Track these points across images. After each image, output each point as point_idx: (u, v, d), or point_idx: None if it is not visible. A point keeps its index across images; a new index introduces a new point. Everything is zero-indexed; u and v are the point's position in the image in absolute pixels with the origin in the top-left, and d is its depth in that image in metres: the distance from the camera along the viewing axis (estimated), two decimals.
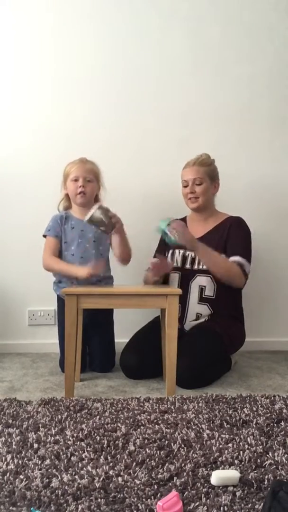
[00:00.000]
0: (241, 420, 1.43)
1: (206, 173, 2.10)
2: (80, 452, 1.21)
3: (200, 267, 2.07)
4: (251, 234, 2.12)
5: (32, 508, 0.94)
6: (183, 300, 2.05)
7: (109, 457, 1.18)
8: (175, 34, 2.49)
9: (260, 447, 1.24)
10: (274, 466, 1.14)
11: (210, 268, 2.00)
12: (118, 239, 2.02)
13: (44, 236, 2.12)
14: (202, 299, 2.06)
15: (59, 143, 2.43)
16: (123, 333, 2.16)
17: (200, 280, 2.06)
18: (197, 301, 2.06)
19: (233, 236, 2.07)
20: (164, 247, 2.19)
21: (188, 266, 2.10)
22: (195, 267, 2.08)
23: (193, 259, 2.09)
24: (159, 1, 2.48)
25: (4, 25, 2.41)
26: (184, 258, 2.12)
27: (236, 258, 2.00)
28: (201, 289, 2.06)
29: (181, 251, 2.13)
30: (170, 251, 2.17)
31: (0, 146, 2.45)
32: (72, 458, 1.17)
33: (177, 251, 2.14)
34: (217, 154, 2.17)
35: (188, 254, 2.10)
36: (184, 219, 2.23)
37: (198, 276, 2.06)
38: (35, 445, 1.24)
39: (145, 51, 2.48)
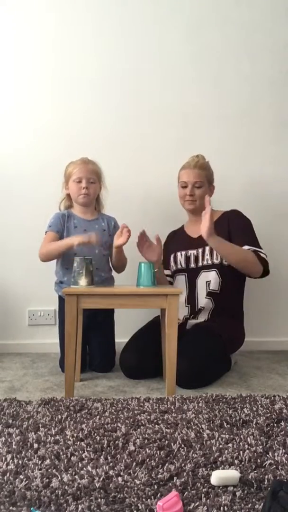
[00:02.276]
0: (241, 420, 1.43)
1: (206, 177, 2.12)
2: (80, 452, 1.21)
3: (205, 263, 2.08)
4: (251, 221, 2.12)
5: (32, 508, 0.94)
6: (192, 299, 2.07)
7: (109, 457, 1.18)
8: (175, 34, 2.49)
9: (260, 447, 1.24)
10: (274, 466, 1.14)
11: (226, 258, 2.00)
12: (117, 252, 2.05)
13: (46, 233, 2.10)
14: (208, 294, 2.07)
15: (59, 143, 2.43)
16: (123, 333, 2.16)
17: (206, 276, 2.08)
18: (205, 296, 2.08)
19: (235, 228, 2.07)
20: (164, 250, 2.20)
21: (192, 265, 2.11)
22: (200, 264, 2.10)
23: (196, 257, 2.10)
24: (159, 2, 2.48)
25: (4, 25, 2.42)
26: (187, 258, 2.13)
27: (247, 247, 2.00)
28: (208, 284, 2.07)
29: (183, 252, 2.13)
30: (172, 255, 2.18)
31: (0, 146, 2.45)
32: (72, 458, 1.17)
33: (179, 253, 2.15)
34: (217, 155, 2.18)
35: (191, 254, 2.12)
36: (181, 228, 2.25)
37: (203, 272, 2.08)
38: (35, 445, 1.24)
39: (145, 51, 2.49)
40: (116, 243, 1.99)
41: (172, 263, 2.18)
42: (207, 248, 2.08)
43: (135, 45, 2.48)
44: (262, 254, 2.01)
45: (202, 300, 2.08)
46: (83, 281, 1.78)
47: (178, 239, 2.21)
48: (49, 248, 2.02)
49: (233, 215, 2.13)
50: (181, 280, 2.15)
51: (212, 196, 2.16)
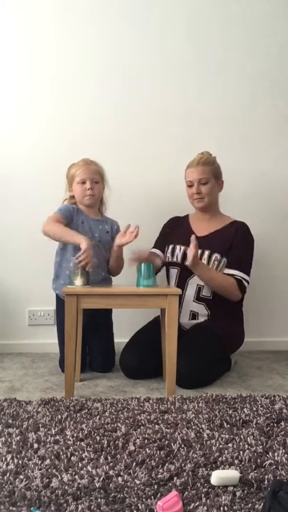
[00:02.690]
0: (241, 420, 1.43)
1: (211, 172, 2.09)
2: (80, 452, 1.21)
3: None
4: (254, 242, 2.12)
5: (32, 508, 0.94)
6: (179, 296, 2.06)
7: (109, 457, 1.18)
8: (176, 33, 2.49)
9: (260, 447, 1.24)
10: (274, 466, 1.14)
11: (206, 283, 2.03)
12: (117, 253, 2.07)
13: None
14: (198, 298, 2.06)
15: (60, 144, 2.43)
16: (123, 333, 2.16)
17: (198, 279, 2.05)
18: (193, 299, 2.06)
19: (237, 245, 2.06)
20: (163, 241, 2.19)
21: (187, 263, 2.10)
22: None
23: None
24: (160, 2, 2.48)
25: (4, 25, 2.42)
26: (185, 255, 2.12)
27: (235, 272, 2.01)
28: (199, 288, 2.06)
29: (182, 247, 2.11)
30: (171, 246, 2.16)
31: (0, 147, 2.45)
32: (72, 458, 1.17)
33: (178, 246, 2.14)
34: (218, 154, 2.17)
35: None
36: (186, 217, 2.23)
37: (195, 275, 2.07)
38: (35, 445, 1.24)
39: (146, 51, 2.49)
40: (119, 242, 2.00)
41: (168, 254, 2.16)
42: (206, 253, 2.07)
43: (135, 45, 2.48)
44: (244, 282, 2.02)
45: (191, 303, 2.06)
46: (78, 281, 1.81)
47: (182, 231, 2.17)
48: (56, 230, 1.96)
49: (241, 229, 2.11)
50: (173, 274, 2.13)
51: (221, 192, 2.16)
